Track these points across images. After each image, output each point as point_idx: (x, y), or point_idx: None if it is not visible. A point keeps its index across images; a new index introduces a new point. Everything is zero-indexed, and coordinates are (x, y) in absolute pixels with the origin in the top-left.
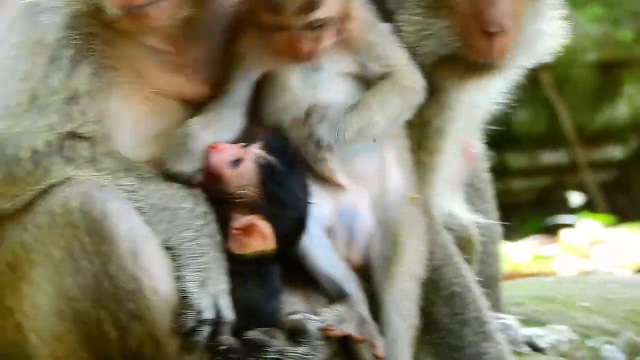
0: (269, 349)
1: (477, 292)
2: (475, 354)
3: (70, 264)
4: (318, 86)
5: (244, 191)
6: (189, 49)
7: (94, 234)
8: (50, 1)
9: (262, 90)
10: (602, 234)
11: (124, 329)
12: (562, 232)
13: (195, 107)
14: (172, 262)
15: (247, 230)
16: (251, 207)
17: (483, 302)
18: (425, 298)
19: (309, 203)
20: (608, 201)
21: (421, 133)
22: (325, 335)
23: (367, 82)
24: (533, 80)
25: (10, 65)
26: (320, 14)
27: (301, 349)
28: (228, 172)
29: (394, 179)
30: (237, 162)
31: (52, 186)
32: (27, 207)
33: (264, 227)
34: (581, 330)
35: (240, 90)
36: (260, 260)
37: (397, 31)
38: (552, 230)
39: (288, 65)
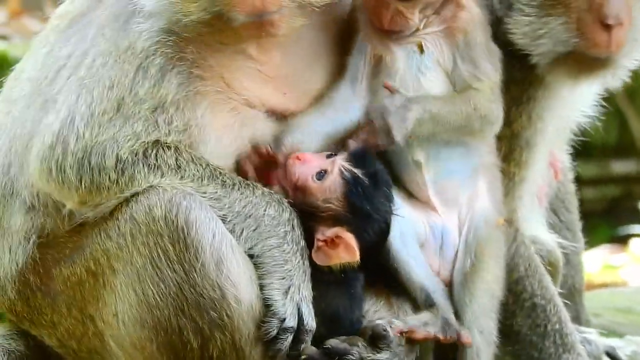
0: (349, 357)
1: (559, 304)
2: None
3: (153, 272)
4: (422, 70)
5: (329, 204)
6: (280, 62)
7: (177, 242)
8: (147, 6)
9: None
10: None
11: (205, 338)
12: (632, 242)
13: (280, 119)
14: (256, 269)
15: (333, 242)
16: (336, 219)
17: (565, 314)
18: (507, 309)
19: (393, 213)
20: None
21: (510, 145)
22: (409, 337)
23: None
24: (605, 89)
25: (97, 73)
26: None
27: (382, 355)
28: (313, 185)
29: (484, 204)
30: (321, 174)
31: (136, 194)
32: (111, 215)
33: (350, 239)
34: None
35: (357, 65)
36: (344, 271)
37: (505, 37)
38: (622, 240)
39: (388, 42)
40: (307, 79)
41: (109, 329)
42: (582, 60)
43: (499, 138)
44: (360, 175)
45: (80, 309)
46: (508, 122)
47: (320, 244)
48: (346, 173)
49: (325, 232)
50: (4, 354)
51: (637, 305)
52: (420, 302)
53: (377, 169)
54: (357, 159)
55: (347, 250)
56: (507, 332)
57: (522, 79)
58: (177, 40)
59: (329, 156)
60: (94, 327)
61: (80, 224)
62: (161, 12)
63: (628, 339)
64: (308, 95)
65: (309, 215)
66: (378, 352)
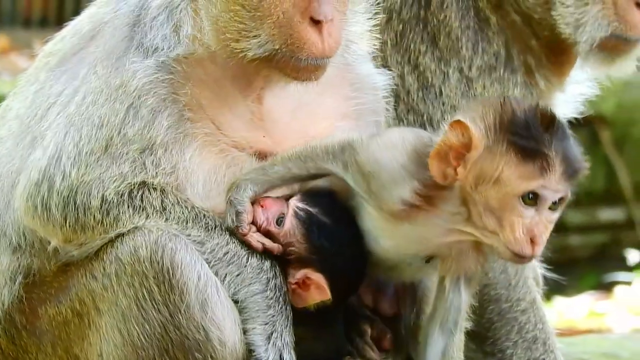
0: None
1: (555, 341)
2: None
3: (138, 312)
4: None
5: (292, 247)
6: (271, 107)
7: (163, 284)
8: (149, 42)
9: None
10: None
11: None
12: (617, 289)
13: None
14: (240, 314)
15: (304, 283)
16: (302, 261)
17: (559, 353)
18: (510, 338)
19: (362, 250)
20: None
21: None
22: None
23: None
24: (593, 137)
25: (86, 111)
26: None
27: None
28: (275, 230)
29: None
30: (281, 218)
31: (122, 235)
32: (96, 255)
33: (318, 278)
34: None
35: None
36: (322, 311)
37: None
38: (608, 287)
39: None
40: (293, 126)
41: None
42: (617, 44)
43: None
44: (316, 214)
45: (66, 349)
46: None
47: (293, 286)
48: (300, 213)
49: (295, 275)
50: None
51: (624, 351)
52: None
53: (335, 207)
54: (311, 197)
55: (318, 289)
56: None
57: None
58: (174, 80)
59: (288, 198)
60: None
61: (66, 264)
62: (157, 47)
63: None
64: (292, 141)
65: (281, 260)
66: None
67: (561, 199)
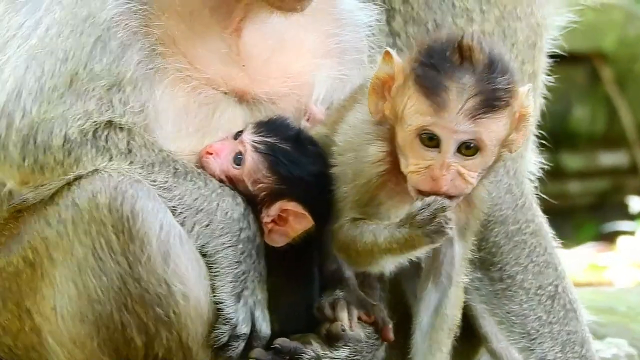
0: (303, 357)
1: (566, 270)
2: (562, 332)
3: (95, 263)
4: None
5: (260, 184)
6: (249, 42)
7: (122, 233)
8: None
9: None
10: None
11: (150, 335)
12: (620, 240)
13: (242, 101)
14: (208, 270)
15: (280, 218)
16: (274, 196)
17: (571, 282)
18: (517, 263)
19: (326, 167)
20: None
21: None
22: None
23: None
24: (592, 75)
25: (50, 44)
26: (489, 126)
27: (341, 353)
28: (236, 172)
29: None
30: (239, 157)
31: (80, 178)
32: (51, 200)
33: (295, 207)
34: None
35: None
36: (302, 248)
37: None
38: (609, 237)
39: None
40: (272, 62)
41: (47, 324)
42: None
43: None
44: (276, 143)
45: (17, 302)
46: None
47: (270, 225)
48: (260, 146)
49: (269, 212)
50: None
51: (620, 304)
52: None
53: (294, 131)
54: (264, 127)
55: (298, 218)
56: (516, 290)
57: None
58: (147, 10)
59: (236, 136)
60: (31, 322)
61: (18, 210)
62: None
63: (609, 341)
64: (272, 78)
65: (251, 203)
66: (336, 350)
67: (474, 145)
